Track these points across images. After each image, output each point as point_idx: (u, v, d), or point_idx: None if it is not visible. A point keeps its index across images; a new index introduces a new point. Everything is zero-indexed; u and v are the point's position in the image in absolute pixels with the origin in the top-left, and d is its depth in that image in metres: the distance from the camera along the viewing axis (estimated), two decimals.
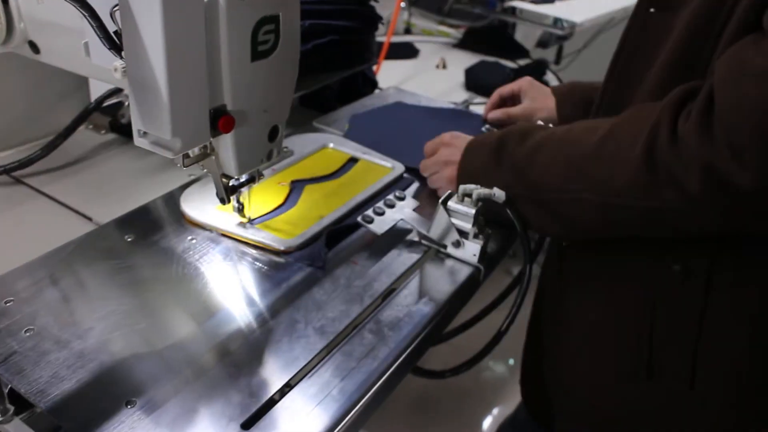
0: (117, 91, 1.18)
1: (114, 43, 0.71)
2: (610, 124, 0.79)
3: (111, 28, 0.71)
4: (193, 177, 1.07)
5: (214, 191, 0.90)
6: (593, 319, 0.90)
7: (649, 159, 0.72)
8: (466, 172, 0.95)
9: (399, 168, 1.15)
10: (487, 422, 2.04)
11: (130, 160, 1.19)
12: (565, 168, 0.81)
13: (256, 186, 0.96)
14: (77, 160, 1.18)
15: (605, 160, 0.77)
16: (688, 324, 0.81)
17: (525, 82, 1.29)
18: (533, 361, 1.07)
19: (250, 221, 0.95)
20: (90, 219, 1.01)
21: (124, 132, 1.23)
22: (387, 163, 1.17)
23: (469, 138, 1.00)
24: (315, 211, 1.00)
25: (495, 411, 2.07)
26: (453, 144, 1.02)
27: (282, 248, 0.91)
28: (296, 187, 1.07)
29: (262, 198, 1.02)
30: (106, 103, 1.22)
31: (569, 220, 0.84)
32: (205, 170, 0.97)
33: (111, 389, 0.69)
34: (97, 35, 0.71)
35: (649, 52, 0.82)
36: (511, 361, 2.30)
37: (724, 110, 0.66)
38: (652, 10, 0.82)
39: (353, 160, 1.19)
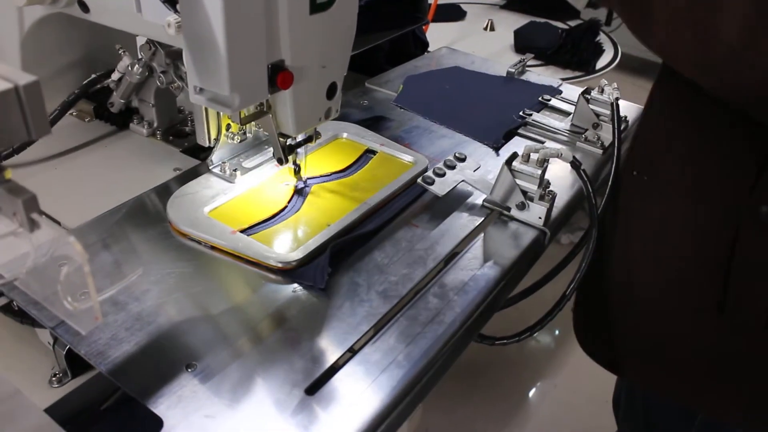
0: (105, 76, 1.06)
1: None
2: None
3: None
4: (178, 172, 0.98)
5: (202, 197, 0.87)
6: (669, 247, 0.86)
7: None
8: None
9: (422, 162, 1.01)
10: (533, 393, 2.02)
11: (114, 152, 1.05)
12: None
13: (257, 185, 0.92)
14: (56, 152, 1.03)
15: None
16: None
17: None
18: (595, 298, 1.01)
19: (248, 229, 0.85)
20: (58, 222, 0.86)
21: (113, 120, 1.11)
22: (408, 156, 1.03)
23: None
24: (321, 217, 0.88)
25: (540, 382, 2.04)
26: None
27: (278, 265, 0.79)
28: (301, 186, 0.95)
29: (261, 201, 0.91)
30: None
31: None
32: (257, 131, 0.96)
33: (170, 352, 0.67)
34: None
35: None
36: (557, 332, 2.27)
37: None
38: None
39: (370, 152, 1.06)
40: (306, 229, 0.86)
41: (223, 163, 0.94)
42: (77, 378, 0.73)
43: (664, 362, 0.92)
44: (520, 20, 2.02)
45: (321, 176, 0.97)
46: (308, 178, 0.95)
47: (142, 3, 0.77)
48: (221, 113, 0.90)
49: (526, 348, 2.17)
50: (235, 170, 0.93)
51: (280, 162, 0.85)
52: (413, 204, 0.93)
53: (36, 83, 0.45)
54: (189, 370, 0.65)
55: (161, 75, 0.96)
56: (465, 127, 1.15)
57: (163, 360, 0.66)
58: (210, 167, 0.94)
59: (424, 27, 1.55)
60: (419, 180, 0.91)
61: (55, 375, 0.73)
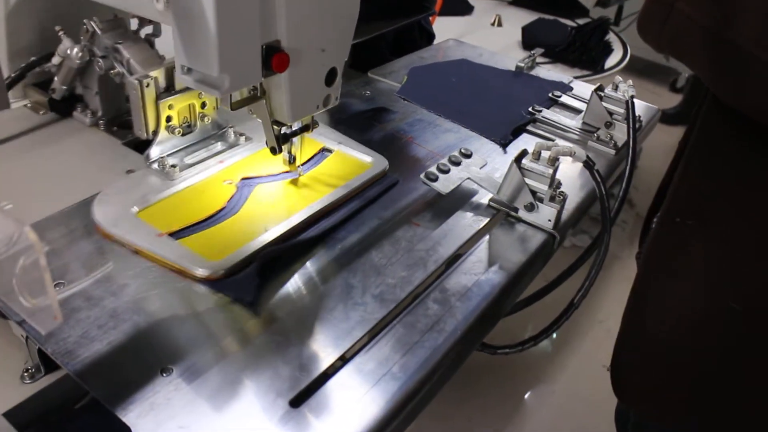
0: (45, 59, 0.98)
1: None
2: None
3: None
4: (132, 172, 0.89)
5: (134, 195, 0.81)
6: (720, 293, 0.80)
7: None
8: None
9: (381, 163, 0.93)
10: (531, 398, 1.98)
11: (65, 147, 0.96)
12: None
13: (197, 184, 0.85)
14: (4, 147, 0.94)
15: None
16: None
17: None
18: (638, 350, 0.96)
19: (178, 232, 0.77)
20: None
21: (61, 111, 1.02)
22: (367, 157, 0.94)
23: None
24: (260, 220, 0.80)
25: (538, 386, 2.01)
26: None
27: (203, 274, 0.72)
28: (244, 186, 0.86)
29: (198, 201, 0.83)
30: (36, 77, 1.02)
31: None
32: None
33: (145, 354, 0.62)
34: None
35: None
36: (555, 336, 2.23)
37: None
38: None
39: (326, 151, 0.96)
40: (241, 234, 0.78)
41: (161, 158, 0.87)
42: (52, 373, 0.68)
43: (714, 405, 0.87)
44: (528, 17, 1.98)
45: (268, 175, 0.89)
46: (251, 178, 0.87)
47: None
48: (160, 103, 0.84)
49: (524, 352, 2.13)
50: (173, 166, 0.85)
51: (273, 152, 0.80)
52: (413, 202, 0.87)
53: None
54: (164, 374, 0.60)
55: (100, 60, 0.90)
56: (471, 122, 1.11)
57: (137, 362, 0.61)
58: (147, 163, 0.86)
59: (430, 18, 1.50)
60: (421, 176, 0.86)
61: (27, 370, 0.68)
